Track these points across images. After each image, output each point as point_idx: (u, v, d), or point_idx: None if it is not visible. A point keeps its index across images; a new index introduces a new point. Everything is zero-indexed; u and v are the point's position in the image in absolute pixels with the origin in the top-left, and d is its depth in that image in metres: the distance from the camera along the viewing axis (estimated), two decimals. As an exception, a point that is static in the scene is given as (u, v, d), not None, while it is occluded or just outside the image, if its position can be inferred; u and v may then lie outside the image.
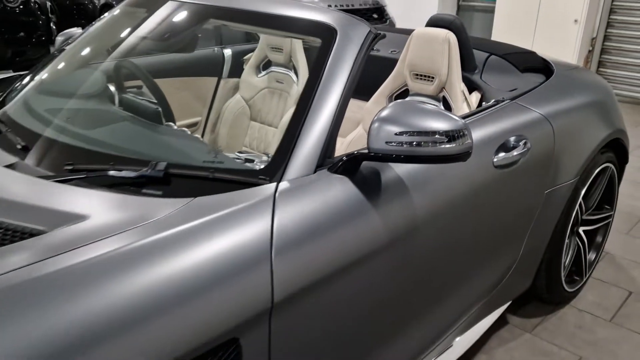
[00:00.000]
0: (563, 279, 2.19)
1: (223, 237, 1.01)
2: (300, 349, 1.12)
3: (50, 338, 0.80)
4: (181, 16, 1.75)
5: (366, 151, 1.21)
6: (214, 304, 0.94)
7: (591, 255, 2.39)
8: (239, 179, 1.19)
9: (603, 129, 2.12)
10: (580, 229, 2.25)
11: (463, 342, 1.77)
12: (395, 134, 1.16)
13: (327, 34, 1.43)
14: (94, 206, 1.08)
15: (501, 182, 1.64)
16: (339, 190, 1.20)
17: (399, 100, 1.22)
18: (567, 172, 1.94)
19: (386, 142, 1.17)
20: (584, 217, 2.24)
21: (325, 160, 1.25)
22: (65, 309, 0.83)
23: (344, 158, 1.22)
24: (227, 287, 0.97)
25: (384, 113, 1.19)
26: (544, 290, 2.16)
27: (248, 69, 2.43)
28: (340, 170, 1.23)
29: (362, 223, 1.21)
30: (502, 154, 1.63)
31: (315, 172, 1.22)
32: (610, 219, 2.44)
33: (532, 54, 2.36)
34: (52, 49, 5.99)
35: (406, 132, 1.16)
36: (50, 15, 5.98)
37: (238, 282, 0.98)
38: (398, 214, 1.29)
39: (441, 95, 2.03)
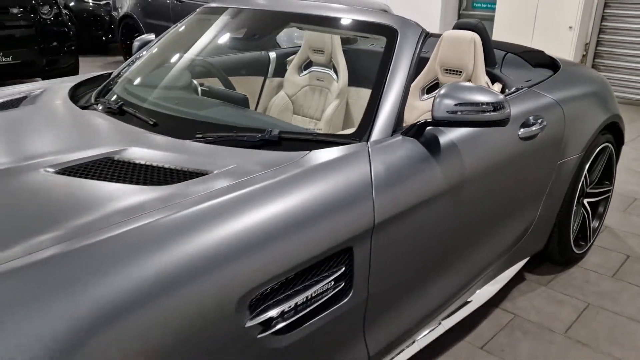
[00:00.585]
0: (572, 242, 2.58)
1: (340, 175, 1.39)
2: (387, 257, 1.50)
3: (242, 233, 1.17)
4: (266, 20, 2.15)
5: (430, 120, 1.60)
6: (337, 222, 1.33)
7: (594, 224, 2.79)
8: (337, 140, 1.58)
9: (602, 114, 2.52)
10: (585, 200, 2.65)
11: (490, 290, 2.16)
12: (454, 105, 1.55)
13: (390, 33, 1.83)
14: (236, 159, 1.47)
15: (524, 152, 2.03)
16: (410, 148, 1.59)
17: (455, 82, 1.62)
18: (574, 147, 2.34)
19: (447, 112, 1.56)
20: (588, 189, 2.64)
21: (397, 127, 1.64)
22: (245, 213, 1.21)
23: (416, 124, 1.61)
24: (346, 211, 1.35)
25: (444, 90, 1.58)
26: (556, 251, 2.55)
27: (291, 69, 2.82)
28: (410, 134, 1.62)
29: (427, 174, 1.60)
30: (524, 129, 2.03)
31: (391, 135, 1.61)
32: (610, 193, 2.85)
33: (541, 52, 2.78)
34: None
35: (461, 104, 1.55)
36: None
37: (353, 208, 1.37)
38: (451, 169, 1.68)
39: (469, 84, 2.43)
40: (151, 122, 1.76)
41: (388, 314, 1.59)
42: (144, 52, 2.42)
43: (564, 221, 2.48)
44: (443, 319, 1.91)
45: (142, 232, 1.10)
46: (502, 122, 1.59)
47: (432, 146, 1.65)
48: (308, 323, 1.30)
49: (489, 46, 2.50)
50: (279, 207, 1.26)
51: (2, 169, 1.40)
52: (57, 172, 1.39)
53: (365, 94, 2.56)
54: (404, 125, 1.68)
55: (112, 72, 2.46)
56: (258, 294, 1.17)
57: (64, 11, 6.31)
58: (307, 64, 2.81)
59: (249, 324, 1.16)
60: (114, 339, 0.94)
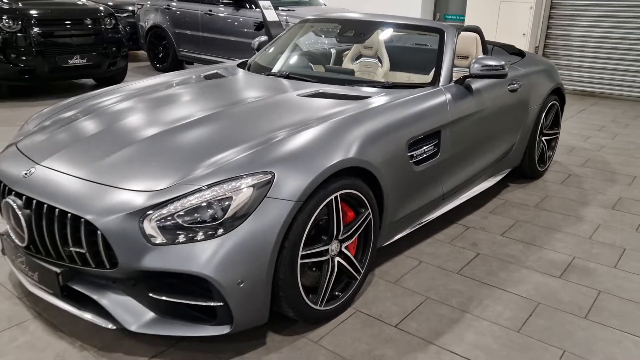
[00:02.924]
0: (536, 162, 4.18)
1: (437, 97, 2.91)
2: (452, 137, 3.01)
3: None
4: (365, 26, 3.66)
5: (467, 75, 3.14)
6: (437, 118, 2.84)
7: (549, 153, 4.41)
8: (424, 85, 3.10)
9: (551, 82, 4.15)
10: (543, 138, 4.26)
11: (485, 185, 3.69)
12: (481, 67, 3.10)
13: (441, 32, 3.38)
14: (376, 92, 2.95)
15: (511, 99, 3.60)
16: (459, 89, 3.13)
17: (482, 55, 3.17)
18: (535, 100, 3.94)
19: (478, 70, 3.10)
20: (545, 130, 4.25)
21: (450, 80, 3.17)
22: (405, 107, 2.69)
23: (461, 77, 3.15)
24: (439, 113, 2.86)
25: (475, 60, 3.12)
26: (527, 167, 4.14)
27: (347, 59, 4.32)
28: (458, 83, 3.16)
29: (466, 101, 3.13)
30: (510, 86, 3.61)
31: (449, 83, 3.14)
32: (557, 135, 4.47)
33: (513, 46, 4.40)
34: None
35: (484, 66, 3.10)
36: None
37: (441, 112, 2.88)
38: (476, 102, 3.22)
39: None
40: (315, 80, 3.23)
41: (449, 173, 3.11)
42: (271, 48, 3.89)
43: (531, 147, 4.07)
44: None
45: (377, 107, 2.58)
46: (504, 75, 3.15)
47: (469, 89, 3.20)
48: (425, 163, 2.80)
49: (484, 41, 4.08)
50: (421, 106, 2.76)
51: (268, 97, 2.85)
52: (300, 96, 2.85)
53: (400, 75, 4.03)
54: (453, 78, 3.22)
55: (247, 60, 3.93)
56: (413, 140, 2.68)
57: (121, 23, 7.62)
58: (358, 57, 4.31)
59: (407, 154, 2.65)
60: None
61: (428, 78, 3.26)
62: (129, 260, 1.97)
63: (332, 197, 2.22)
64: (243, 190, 1.99)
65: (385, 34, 3.92)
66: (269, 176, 2.04)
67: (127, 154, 2.24)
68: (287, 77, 3.35)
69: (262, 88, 3.08)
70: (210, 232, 1.96)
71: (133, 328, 2.04)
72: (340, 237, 2.33)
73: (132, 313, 2.07)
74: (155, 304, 2.08)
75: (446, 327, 2.38)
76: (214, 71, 3.61)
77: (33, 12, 6.51)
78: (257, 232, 1.98)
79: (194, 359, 2.14)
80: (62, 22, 6.74)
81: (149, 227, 1.96)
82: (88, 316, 2.12)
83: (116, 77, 7.79)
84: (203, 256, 1.94)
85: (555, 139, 4.49)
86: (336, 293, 2.40)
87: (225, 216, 1.97)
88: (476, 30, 3.99)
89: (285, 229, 2.03)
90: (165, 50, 9.21)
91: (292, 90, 2.96)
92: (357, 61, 4.27)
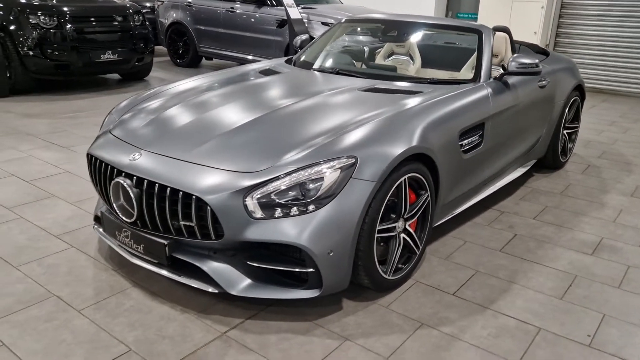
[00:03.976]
0: (559, 153, 4.50)
1: (481, 92, 3.22)
2: (494, 129, 3.32)
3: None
4: (407, 27, 3.96)
5: (505, 72, 3.45)
6: (481, 111, 3.14)
7: (570, 145, 4.73)
8: (464, 80, 3.40)
9: (574, 79, 4.46)
10: (565, 131, 4.58)
11: (515, 174, 4.00)
12: (519, 64, 3.41)
13: (479, 32, 3.68)
14: (425, 88, 3.26)
15: (540, 94, 3.92)
16: (498, 84, 3.43)
17: (516, 54, 3.47)
18: (560, 96, 4.26)
19: (516, 68, 3.41)
20: (567, 124, 4.57)
21: (489, 77, 3.48)
22: (457, 100, 3.00)
23: (499, 74, 3.46)
24: (483, 106, 3.17)
25: (512, 59, 3.43)
26: (550, 158, 4.46)
27: (379, 57, 4.62)
28: (497, 79, 3.47)
29: (504, 96, 3.44)
30: (539, 82, 3.92)
31: (489, 79, 3.45)
32: (577, 129, 4.79)
33: (537, 45, 4.71)
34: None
35: (522, 64, 3.41)
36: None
37: (485, 105, 3.19)
38: (512, 96, 3.53)
39: (502, 62, 4.31)
40: (364, 76, 3.53)
41: (489, 161, 3.42)
42: (315, 46, 4.19)
43: (555, 140, 4.39)
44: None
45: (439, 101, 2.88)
46: (539, 72, 3.46)
47: (506, 85, 3.51)
48: (472, 151, 3.11)
49: (512, 41, 4.39)
50: (469, 99, 3.07)
51: (334, 91, 3.14)
52: (360, 91, 3.15)
53: (431, 72, 4.31)
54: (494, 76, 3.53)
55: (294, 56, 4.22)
56: (463, 130, 2.98)
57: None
58: (390, 54, 4.61)
59: (458, 143, 2.96)
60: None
61: (469, 75, 3.57)
62: (234, 232, 2.27)
63: (402, 179, 2.52)
64: (332, 172, 2.29)
65: (418, 34, 4.22)
66: (353, 160, 2.34)
67: (222, 141, 2.54)
68: (337, 73, 3.65)
69: (323, 83, 3.37)
70: (302, 209, 2.27)
71: (233, 291, 2.35)
72: (405, 216, 2.64)
73: (232, 279, 2.37)
74: (251, 271, 2.38)
75: (497, 295, 2.69)
76: (267, 67, 3.90)
77: (67, 9, 6.77)
78: (344, 208, 2.29)
79: (283, 320, 2.44)
80: (95, 19, 7.01)
81: (251, 203, 2.26)
82: (193, 282, 2.42)
83: (142, 73, 8.07)
84: (298, 229, 2.24)
85: (576, 132, 4.80)
86: (399, 265, 2.71)
87: (317, 194, 2.27)
88: (506, 30, 4.30)
89: (367, 206, 2.33)
90: (186, 46, 9.47)
91: (351, 86, 3.25)
92: (390, 58, 4.57)
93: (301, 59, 4.08)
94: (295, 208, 2.27)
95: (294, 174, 2.29)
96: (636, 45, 7.94)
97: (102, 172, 2.63)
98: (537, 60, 3.45)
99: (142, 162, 2.48)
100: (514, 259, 3.07)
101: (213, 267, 2.40)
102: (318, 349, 2.25)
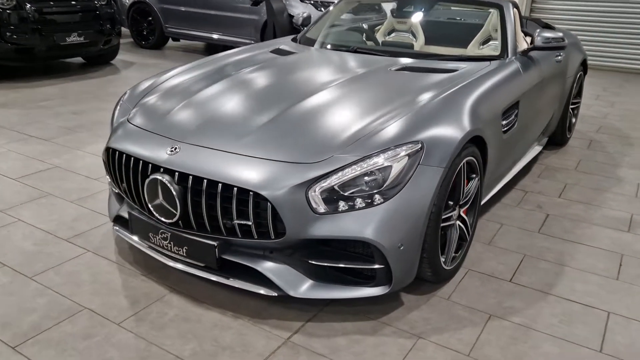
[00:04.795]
0: (567, 130, 4.48)
1: (511, 67, 3.09)
2: (527, 108, 3.22)
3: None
4: (426, 2, 3.78)
5: (531, 47, 3.34)
6: (515, 89, 3.02)
7: (573, 121, 4.72)
8: (491, 56, 3.27)
9: (581, 53, 4.42)
10: (570, 107, 4.56)
11: (533, 153, 3.94)
12: (545, 39, 3.30)
13: (500, 7, 3.55)
14: (456, 65, 3.10)
15: (557, 69, 3.84)
16: (525, 59, 3.32)
17: (544, 29, 3.36)
18: (571, 71, 4.21)
19: (542, 42, 3.31)
20: (572, 100, 4.55)
21: (515, 52, 3.36)
22: (490, 78, 2.86)
23: (525, 49, 3.34)
24: (518, 83, 3.05)
25: (538, 33, 3.32)
26: (559, 135, 4.43)
27: (379, 34, 4.44)
28: (523, 54, 3.35)
29: (532, 70, 3.33)
30: (556, 58, 3.84)
31: (515, 56, 3.33)
32: (580, 104, 4.79)
33: (540, 20, 4.63)
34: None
35: (548, 39, 3.31)
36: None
37: (520, 80, 3.07)
38: (538, 70, 3.43)
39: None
40: (386, 54, 3.35)
41: (521, 139, 3.31)
42: (321, 24, 3.95)
43: (564, 115, 4.35)
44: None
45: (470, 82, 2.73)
46: (564, 47, 3.37)
47: (532, 60, 3.40)
48: (509, 131, 2.99)
49: (521, 15, 4.29)
50: (506, 76, 2.93)
51: (362, 73, 2.94)
52: (394, 70, 2.96)
53: (435, 49, 4.15)
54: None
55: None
56: (505, 109, 2.85)
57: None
58: (390, 32, 4.43)
59: (501, 122, 2.83)
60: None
61: (489, 51, 3.44)
62: (296, 230, 2.07)
63: (462, 163, 2.37)
64: (400, 159, 2.11)
65: (420, 10, 4.06)
66: (419, 145, 2.17)
67: (269, 129, 2.30)
68: (355, 51, 3.44)
69: (348, 63, 3.16)
70: (368, 200, 2.08)
71: (295, 294, 2.15)
72: (460, 202, 2.50)
73: (292, 280, 2.17)
74: (311, 270, 2.19)
75: (553, 279, 2.61)
76: (277, 47, 3.64)
77: (26, -13, 6.21)
78: (413, 197, 2.12)
79: (346, 320, 2.27)
80: (57, -2, 6.47)
81: (314, 197, 2.06)
82: (247, 285, 2.20)
83: (109, 56, 7.57)
84: (366, 223, 2.06)
85: (578, 108, 4.80)
86: (454, 254, 2.58)
87: (385, 185, 2.09)
88: (514, 5, 4.19)
89: (435, 194, 2.17)
90: (151, 27, 8.96)
91: (379, 65, 3.06)
92: (390, 35, 4.39)
93: (310, 38, 3.84)
94: (360, 200, 2.09)
95: (359, 163, 2.10)
96: (611, 20, 8.08)
97: (130, 169, 2.35)
98: (561, 34, 3.35)
99: (183, 155, 2.22)
100: (555, 240, 2.99)
101: (270, 268, 2.19)
102: (393, 350, 2.10)
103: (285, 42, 3.84)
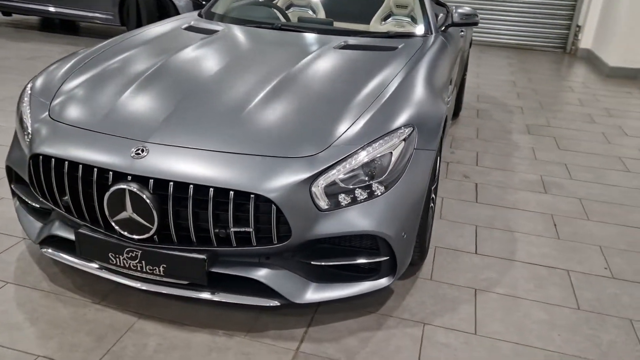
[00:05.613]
0: (461, 102, 4.74)
1: (444, 46, 3.14)
2: (450, 97, 3.33)
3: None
4: None
5: (449, 24, 3.43)
6: (451, 59, 3.09)
7: (463, 92, 5.02)
8: (423, 34, 3.29)
9: (471, 30, 4.69)
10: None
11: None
12: (461, 15, 3.41)
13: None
14: (392, 42, 3.07)
15: (461, 43, 4.02)
16: (446, 36, 3.41)
17: (457, 7, 3.47)
18: (466, 45, 4.44)
19: (460, 19, 3.41)
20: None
21: (438, 30, 3.43)
22: (448, 57, 2.88)
23: (444, 25, 3.43)
24: (451, 56, 3.12)
25: (454, 10, 3.42)
26: (456, 106, 4.68)
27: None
28: (442, 31, 3.44)
29: (452, 47, 3.44)
30: (461, 33, 4.01)
31: (436, 32, 3.40)
32: (466, 76, 5.11)
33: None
34: None
35: (464, 15, 3.43)
36: None
37: (450, 56, 3.14)
38: (455, 43, 3.55)
39: (411, 13, 4.29)
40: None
41: (450, 112, 3.42)
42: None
43: (461, 88, 4.60)
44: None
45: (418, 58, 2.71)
46: (478, 23, 3.52)
47: (450, 33, 3.50)
48: (448, 105, 3.05)
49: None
50: (444, 53, 2.96)
51: (312, 54, 2.75)
52: (337, 49, 2.81)
53: (346, 25, 4.05)
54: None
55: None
56: (446, 85, 2.89)
57: None
58: (288, 6, 4.27)
59: (446, 99, 2.88)
60: None
61: (379, 27, 3.46)
62: (302, 231, 1.87)
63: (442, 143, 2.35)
64: (397, 145, 2.02)
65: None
66: (411, 129, 2.09)
67: (249, 120, 2.03)
68: (280, 29, 3.23)
69: (284, 43, 2.94)
70: (369, 191, 1.96)
71: (299, 300, 1.97)
72: (435, 181, 2.49)
73: (294, 285, 1.98)
74: (311, 272, 2.02)
75: (510, 245, 2.75)
76: (189, 24, 3.26)
77: None
78: (412, 183, 2.04)
79: (346, 318, 2.14)
80: None
81: (317, 193, 1.88)
82: (246, 299, 1.96)
83: None
84: (373, 215, 1.94)
85: (465, 80, 5.12)
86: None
87: (386, 173, 1.98)
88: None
89: (430, 177, 2.12)
90: (-27, 1, 7.54)
91: (319, 44, 2.89)
92: (289, 11, 4.22)
93: (219, 14, 3.50)
94: (360, 191, 1.95)
95: (360, 153, 1.95)
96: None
97: (77, 179, 1.92)
98: (476, 11, 3.50)
99: (155, 158, 1.86)
100: (494, 207, 3.16)
101: (267, 275, 1.96)
102: (407, 342, 2.03)
103: (192, 18, 3.45)
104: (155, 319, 2.06)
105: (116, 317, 2.05)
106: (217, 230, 1.85)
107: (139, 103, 2.14)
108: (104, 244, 1.96)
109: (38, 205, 2.26)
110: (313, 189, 1.87)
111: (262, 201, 1.81)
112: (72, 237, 2.09)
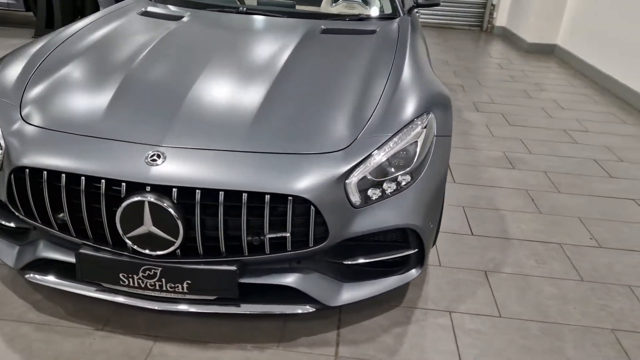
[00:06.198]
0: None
1: (412, 28, 3.10)
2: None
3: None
4: None
5: (414, 5, 3.40)
6: (423, 40, 3.06)
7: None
8: (391, 16, 3.22)
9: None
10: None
11: None
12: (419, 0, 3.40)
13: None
14: (365, 25, 2.98)
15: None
16: (412, 18, 3.38)
17: (422, -15, 3.44)
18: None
19: (423, 0, 3.39)
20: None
21: (404, 11, 3.38)
22: (423, 37, 2.83)
23: (410, 7, 3.39)
24: (423, 38, 3.09)
25: (419, -7, 3.40)
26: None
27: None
28: (408, 13, 3.40)
29: (419, 28, 3.42)
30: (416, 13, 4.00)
31: (404, 13, 3.35)
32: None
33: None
34: None
35: (426, -5, 3.41)
36: None
37: (423, 38, 3.11)
38: (416, 23, 3.54)
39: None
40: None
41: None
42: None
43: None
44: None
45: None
46: (439, 3, 3.52)
47: (415, 16, 3.48)
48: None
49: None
50: (414, 35, 2.91)
51: (298, 40, 2.57)
52: (321, 33, 2.68)
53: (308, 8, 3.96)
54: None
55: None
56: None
57: None
58: None
59: (429, 82, 2.85)
60: None
61: (329, 8, 3.37)
62: (338, 230, 1.76)
63: (442, 128, 2.32)
64: (420, 134, 1.95)
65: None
66: (431, 115, 2.03)
67: (266, 116, 1.86)
68: (245, 12, 3.02)
69: (260, 28, 2.75)
70: (397, 182, 1.89)
71: (334, 303, 1.87)
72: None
73: (326, 288, 1.87)
74: (339, 272, 1.92)
75: (501, 224, 2.80)
76: (140, 9, 2.95)
77: None
78: (435, 171, 1.99)
79: (373, 315, 2.07)
80: None
81: (351, 189, 1.78)
82: (278, 308, 1.82)
83: None
84: (405, 208, 1.87)
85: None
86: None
87: (412, 163, 1.91)
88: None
89: (448, 164, 2.08)
90: None
91: (297, 29, 2.73)
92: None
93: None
94: (389, 184, 1.87)
95: (388, 143, 1.86)
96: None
97: (81, 192, 1.67)
98: (437, -7, 3.50)
99: (175, 164, 1.66)
100: (474, 187, 3.21)
101: (299, 281, 1.83)
102: (440, 333, 2.00)
103: (144, 3, 3.14)
104: (173, 339, 1.86)
105: (128, 343, 1.83)
106: (249, 238, 1.69)
107: (136, 102, 1.90)
108: (113, 264, 1.73)
109: (13, 225, 1.95)
110: (347, 184, 1.76)
111: (299, 203, 1.67)
112: (65, 258, 1.83)
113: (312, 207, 1.68)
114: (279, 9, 3.15)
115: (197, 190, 1.62)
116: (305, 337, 1.92)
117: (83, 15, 6.35)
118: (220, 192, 1.63)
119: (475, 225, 2.77)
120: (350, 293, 1.90)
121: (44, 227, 1.78)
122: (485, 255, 2.51)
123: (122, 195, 1.63)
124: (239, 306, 1.83)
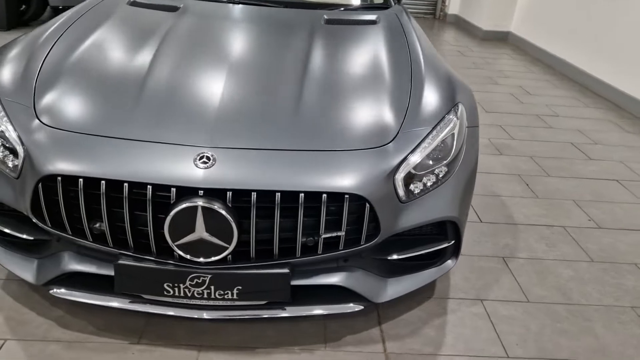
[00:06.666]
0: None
1: (409, 19, 3.10)
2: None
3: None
4: None
5: (403, -6, 3.40)
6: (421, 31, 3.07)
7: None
8: (385, 6, 3.20)
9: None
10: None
11: None
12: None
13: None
14: (363, 14, 2.95)
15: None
16: (402, 7, 3.37)
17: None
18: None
19: (413, -12, 3.38)
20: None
21: (395, 1, 3.36)
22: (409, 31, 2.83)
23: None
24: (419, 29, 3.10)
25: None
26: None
27: None
28: (398, 2, 3.39)
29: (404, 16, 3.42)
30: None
31: (396, 3, 3.34)
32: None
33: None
34: None
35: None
36: None
37: (416, 27, 3.12)
38: (404, 15, 3.54)
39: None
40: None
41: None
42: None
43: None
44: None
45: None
46: None
47: (404, 5, 3.47)
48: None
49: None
50: (411, 25, 2.91)
51: (309, 32, 2.50)
52: (327, 24, 2.62)
53: None
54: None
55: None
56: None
57: None
58: None
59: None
60: None
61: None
62: (389, 226, 1.74)
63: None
64: (455, 125, 1.95)
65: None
66: (461, 106, 2.03)
67: (307, 112, 1.80)
68: (237, 2, 2.91)
69: (268, 21, 2.64)
70: (436, 175, 1.88)
71: (381, 299, 1.85)
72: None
73: (372, 284, 1.85)
74: (382, 268, 1.90)
75: (505, 210, 2.87)
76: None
77: None
78: (469, 162, 2.00)
79: (409, 308, 2.07)
80: None
81: (398, 183, 1.75)
82: (328, 308, 1.78)
83: None
84: (447, 200, 1.87)
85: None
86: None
87: (450, 155, 1.91)
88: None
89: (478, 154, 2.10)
90: None
91: (302, 19, 2.66)
92: None
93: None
94: (429, 177, 1.86)
95: (430, 136, 1.85)
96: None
97: (124, 199, 1.56)
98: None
99: (227, 167, 1.57)
100: (467, 174, 3.27)
101: (346, 279, 1.80)
102: (478, 322, 2.03)
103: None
104: (219, 348, 1.78)
105: (171, 355, 1.74)
106: (304, 239, 1.64)
107: (168, 101, 1.78)
108: (158, 274, 1.63)
109: (32, 238, 1.80)
110: (395, 179, 1.73)
111: (354, 200, 1.64)
112: (100, 271, 1.71)
113: (367, 204, 1.64)
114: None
115: (252, 193, 1.55)
116: (350, 336, 1.90)
117: (29, 8, 5.95)
118: (277, 194, 1.56)
119: (482, 212, 2.82)
120: (394, 288, 1.89)
121: (74, 238, 1.65)
122: (498, 242, 2.56)
123: (172, 202, 1.53)
124: (285, 309, 1.77)
